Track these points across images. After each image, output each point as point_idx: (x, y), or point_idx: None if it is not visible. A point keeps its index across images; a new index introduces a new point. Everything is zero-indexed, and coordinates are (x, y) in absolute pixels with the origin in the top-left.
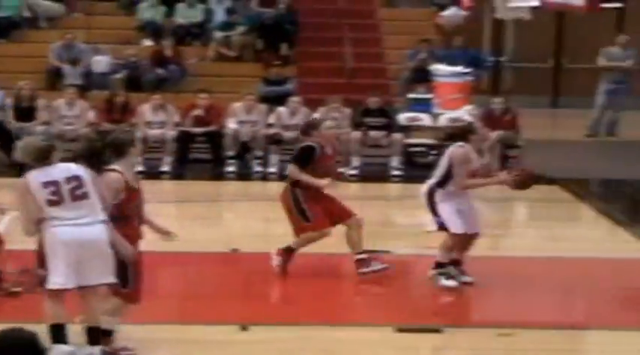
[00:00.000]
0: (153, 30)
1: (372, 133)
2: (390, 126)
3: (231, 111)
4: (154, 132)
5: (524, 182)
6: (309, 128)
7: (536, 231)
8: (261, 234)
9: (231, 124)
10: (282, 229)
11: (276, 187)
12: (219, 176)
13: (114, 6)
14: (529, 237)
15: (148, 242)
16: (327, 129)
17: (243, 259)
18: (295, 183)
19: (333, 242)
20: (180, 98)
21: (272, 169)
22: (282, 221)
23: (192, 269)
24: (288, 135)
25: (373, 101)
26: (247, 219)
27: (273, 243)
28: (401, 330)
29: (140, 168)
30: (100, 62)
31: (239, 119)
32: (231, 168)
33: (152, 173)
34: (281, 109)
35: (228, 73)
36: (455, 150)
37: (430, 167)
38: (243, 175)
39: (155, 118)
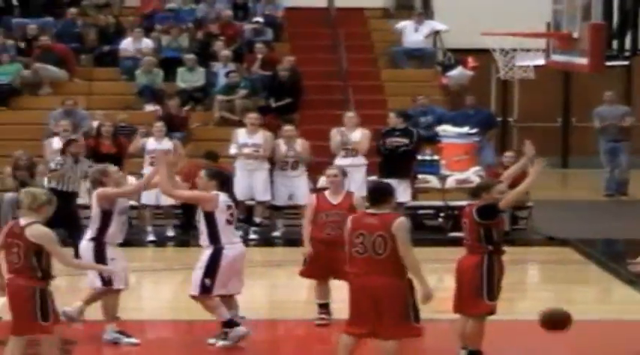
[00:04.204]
0: (151, 95)
1: None
2: None
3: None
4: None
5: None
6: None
7: (551, 293)
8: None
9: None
10: None
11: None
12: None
13: (116, 71)
14: (544, 300)
15: None
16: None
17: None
18: None
19: None
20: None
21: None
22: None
23: None
24: None
25: None
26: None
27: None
28: None
29: (151, 238)
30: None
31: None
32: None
33: (160, 241)
34: None
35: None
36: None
37: (438, 229)
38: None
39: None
